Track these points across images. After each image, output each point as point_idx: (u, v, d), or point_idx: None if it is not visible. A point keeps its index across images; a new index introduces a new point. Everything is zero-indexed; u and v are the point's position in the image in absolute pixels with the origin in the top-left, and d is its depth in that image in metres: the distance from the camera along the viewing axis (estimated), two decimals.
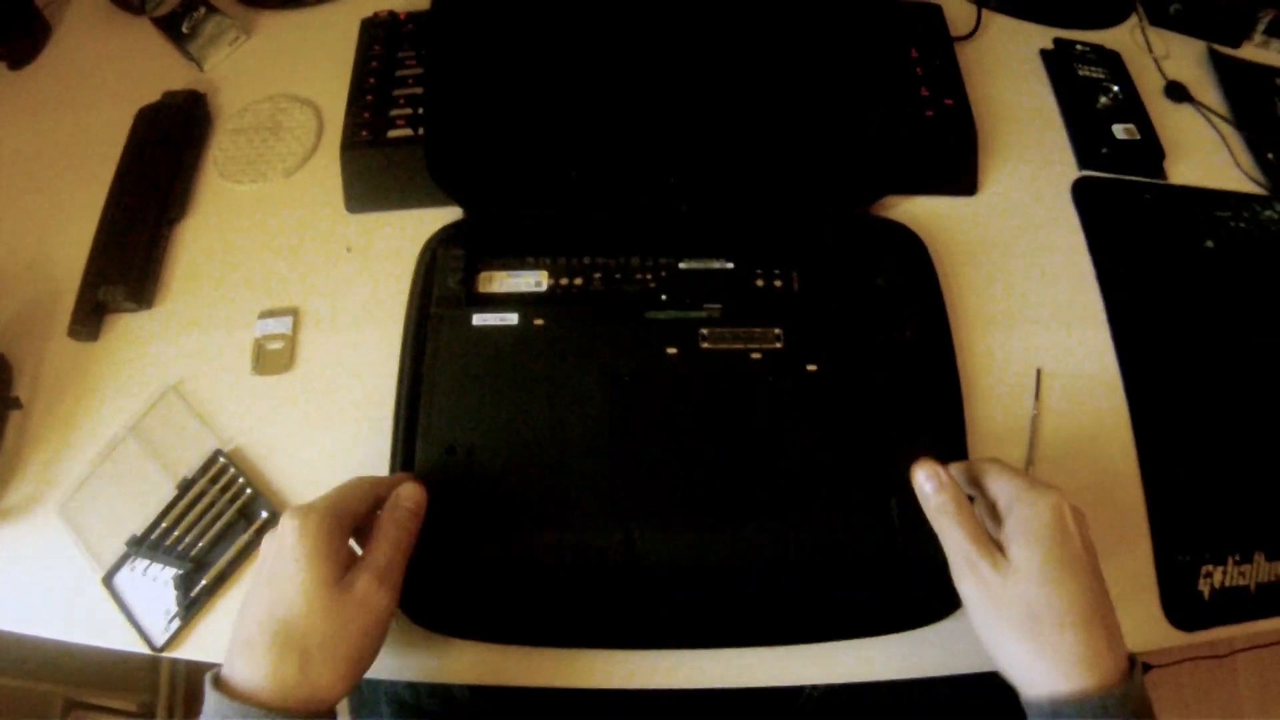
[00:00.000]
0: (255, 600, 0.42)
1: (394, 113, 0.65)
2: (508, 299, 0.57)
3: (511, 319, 0.55)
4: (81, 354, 0.62)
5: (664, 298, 0.57)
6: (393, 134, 0.64)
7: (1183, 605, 0.54)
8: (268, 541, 0.44)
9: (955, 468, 0.48)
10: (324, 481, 0.55)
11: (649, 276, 0.58)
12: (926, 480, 0.47)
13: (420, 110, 0.65)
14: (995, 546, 0.43)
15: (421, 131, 0.64)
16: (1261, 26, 0.79)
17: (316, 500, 0.44)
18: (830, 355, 0.54)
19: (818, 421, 0.53)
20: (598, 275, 0.58)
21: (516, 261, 0.59)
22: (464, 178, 0.61)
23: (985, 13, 0.76)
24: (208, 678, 0.41)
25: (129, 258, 0.62)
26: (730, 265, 0.59)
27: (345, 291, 0.61)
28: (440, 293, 0.57)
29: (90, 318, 0.61)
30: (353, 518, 0.45)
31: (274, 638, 0.40)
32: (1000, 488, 0.45)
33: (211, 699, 0.39)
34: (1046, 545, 0.42)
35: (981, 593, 0.43)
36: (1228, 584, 0.55)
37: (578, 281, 0.58)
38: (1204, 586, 0.54)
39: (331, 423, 0.57)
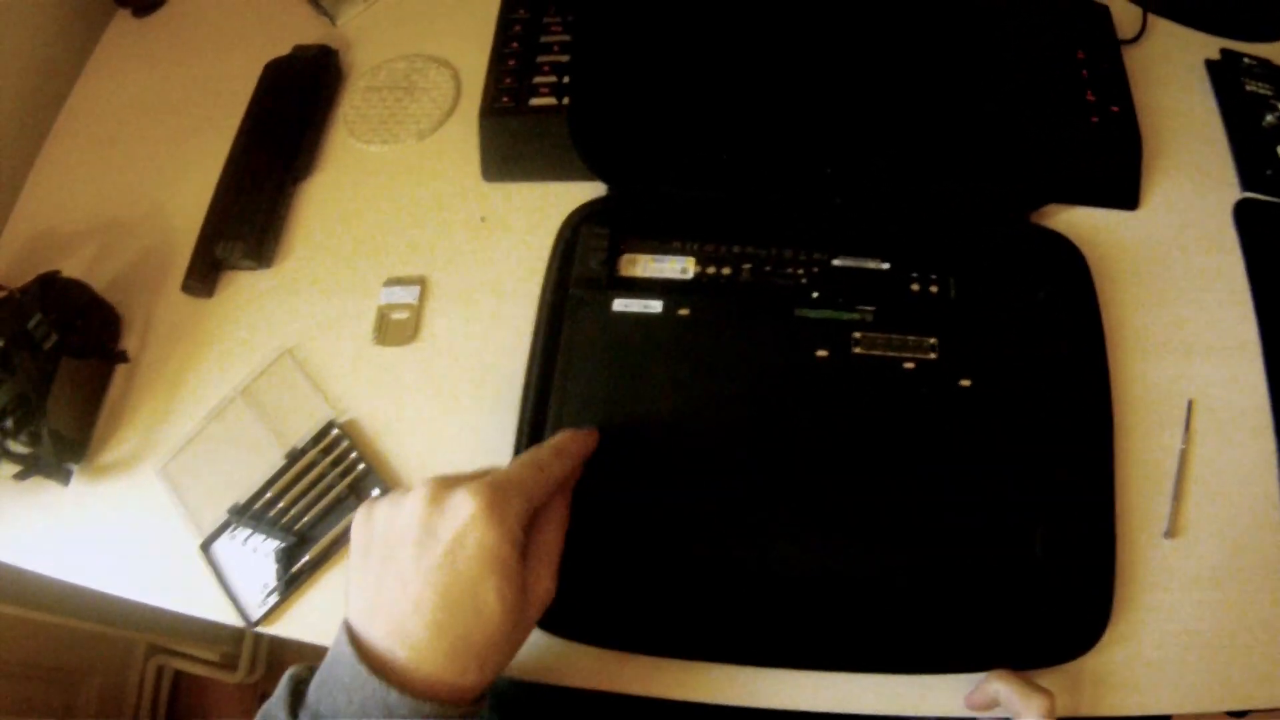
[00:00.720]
0: (425, 585, 0.36)
1: (537, 80, 0.62)
2: (651, 285, 0.54)
3: (655, 307, 0.52)
4: (195, 310, 0.60)
5: (815, 295, 0.54)
6: (535, 102, 0.61)
7: None
8: (430, 510, 0.37)
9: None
10: (441, 463, 0.53)
11: (800, 271, 0.55)
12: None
13: (566, 79, 0.62)
14: None
15: (566, 101, 0.61)
16: None
17: (507, 478, 0.39)
18: (985, 371, 0.51)
19: (968, 440, 0.49)
20: (747, 266, 0.55)
21: (662, 245, 0.56)
22: (610, 152, 0.58)
23: (1150, 18, 0.71)
24: (361, 665, 0.35)
25: (250, 214, 0.61)
26: (886, 266, 0.55)
27: (477, 264, 0.59)
28: (580, 273, 0.54)
29: (206, 273, 0.60)
30: (537, 505, 0.40)
31: (457, 643, 0.36)
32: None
33: (379, 690, 0.34)
34: None
35: None
36: None
37: (726, 271, 0.55)
38: None
39: (454, 401, 0.55)
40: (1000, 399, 0.50)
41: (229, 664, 1.14)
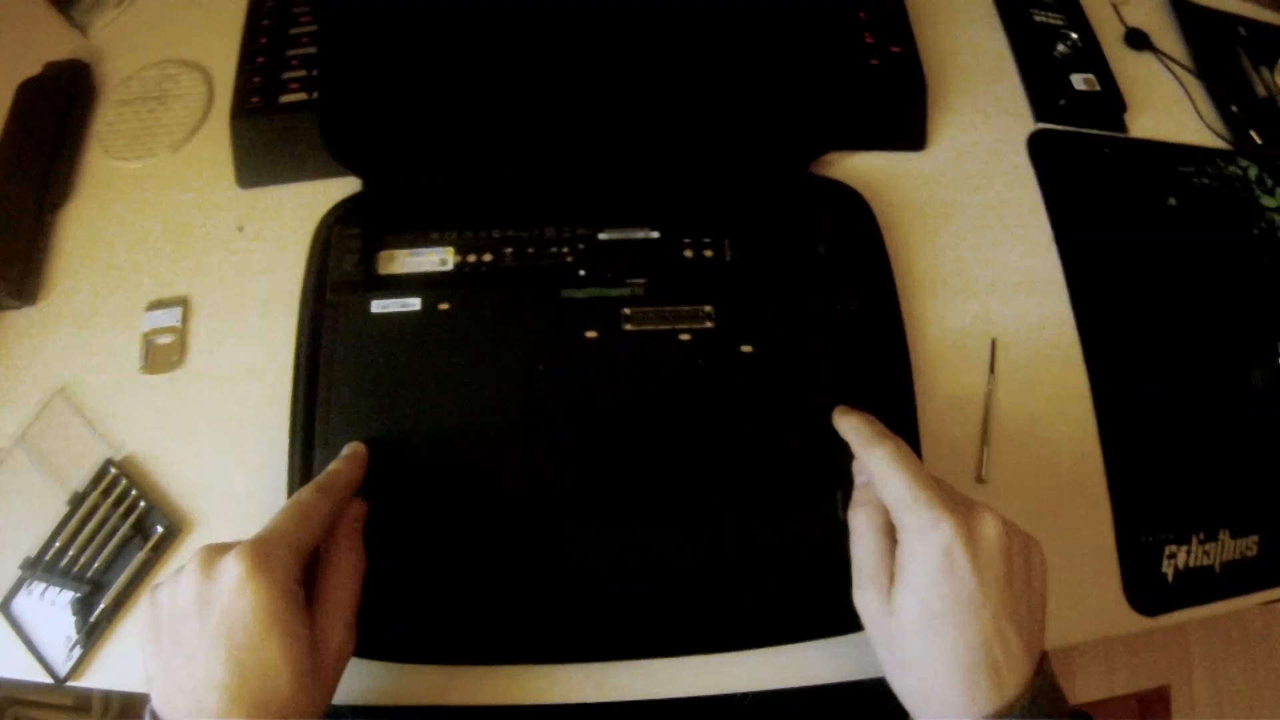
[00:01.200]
0: (211, 657, 0.35)
1: (287, 75, 0.59)
2: (410, 281, 0.52)
3: (414, 304, 0.50)
4: None
5: (582, 273, 0.52)
6: (285, 99, 0.58)
7: (1146, 588, 0.51)
8: (202, 581, 0.36)
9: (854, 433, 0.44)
10: (219, 492, 0.51)
11: (565, 249, 0.53)
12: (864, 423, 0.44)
13: (315, 72, 0.59)
14: (891, 566, 0.40)
15: (315, 95, 0.58)
16: None
17: (270, 531, 0.38)
18: (767, 334, 0.50)
19: (755, 408, 0.48)
20: (509, 250, 0.53)
21: (420, 238, 0.53)
22: (361, 144, 0.56)
23: None
24: None
25: (8, 249, 0.57)
26: (655, 234, 0.54)
27: (238, 277, 0.56)
28: (336, 277, 0.51)
29: None
30: (309, 551, 0.40)
31: (255, 708, 0.35)
32: (890, 496, 0.40)
33: None
34: (923, 596, 0.37)
35: (870, 616, 0.40)
36: (1192, 564, 0.52)
37: (487, 258, 0.53)
38: (1168, 568, 0.52)
39: (227, 424, 0.52)
40: (786, 361, 0.49)
41: (83, 707, 1.11)
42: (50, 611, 0.50)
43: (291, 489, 0.48)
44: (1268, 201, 0.64)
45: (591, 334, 0.49)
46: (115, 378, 0.54)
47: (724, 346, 0.49)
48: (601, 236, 0.53)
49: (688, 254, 0.53)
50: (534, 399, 0.48)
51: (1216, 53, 0.71)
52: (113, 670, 0.49)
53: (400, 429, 0.48)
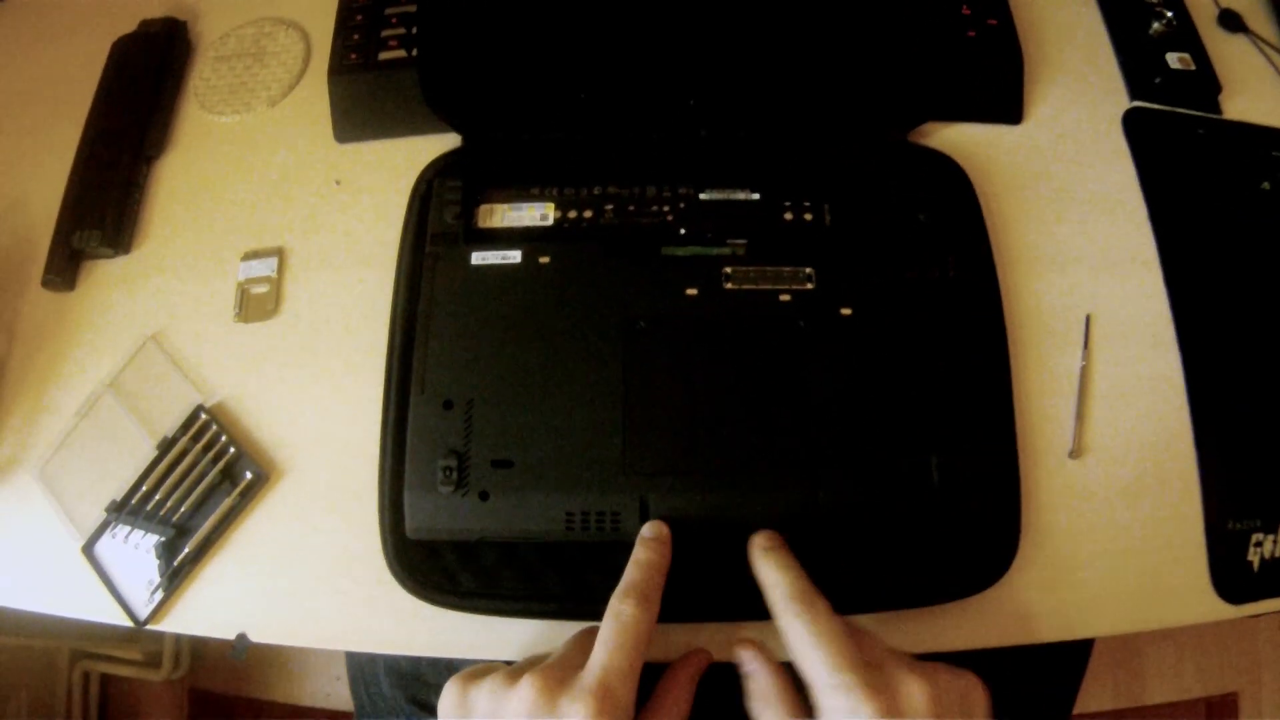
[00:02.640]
0: None
1: (386, 33, 0.60)
2: (510, 234, 0.52)
3: (514, 257, 0.50)
4: (58, 305, 0.58)
5: (683, 232, 0.52)
6: (384, 56, 0.59)
7: (1231, 576, 0.50)
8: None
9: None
10: (310, 439, 0.52)
11: (666, 209, 0.53)
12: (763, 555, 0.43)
13: (414, 30, 0.60)
14: None
15: (415, 52, 0.59)
16: None
17: (607, 677, 0.36)
18: (867, 297, 0.49)
19: (853, 370, 0.48)
20: (609, 207, 0.53)
21: (520, 193, 0.53)
22: (461, 100, 0.56)
23: None
24: None
25: (104, 200, 0.58)
26: (756, 196, 0.53)
27: (335, 229, 0.57)
28: (435, 228, 0.52)
29: (65, 266, 0.57)
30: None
31: None
32: (809, 671, 0.37)
33: None
34: None
35: None
36: (1278, 554, 0.50)
37: (587, 214, 0.53)
38: (1254, 556, 0.50)
39: (320, 373, 0.53)
40: (885, 326, 0.49)
41: (153, 662, 1.14)
42: (133, 555, 0.51)
43: (384, 439, 0.49)
44: None
45: (692, 291, 0.49)
46: (209, 326, 0.55)
47: (824, 308, 0.49)
48: (702, 196, 0.53)
49: (788, 217, 0.53)
50: (633, 354, 0.48)
51: None
52: (194, 616, 0.50)
53: (497, 380, 0.47)
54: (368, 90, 0.59)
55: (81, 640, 1.09)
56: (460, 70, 0.57)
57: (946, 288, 0.50)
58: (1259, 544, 0.50)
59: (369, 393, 0.50)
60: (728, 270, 0.50)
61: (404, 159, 0.58)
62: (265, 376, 0.53)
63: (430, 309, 0.49)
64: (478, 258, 0.50)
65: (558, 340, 0.48)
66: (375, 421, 0.49)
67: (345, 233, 0.56)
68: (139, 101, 0.62)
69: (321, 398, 0.52)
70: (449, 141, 0.57)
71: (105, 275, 0.58)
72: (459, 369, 0.48)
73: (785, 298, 0.49)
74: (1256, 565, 0.50)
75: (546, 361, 0.48)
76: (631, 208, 0.53)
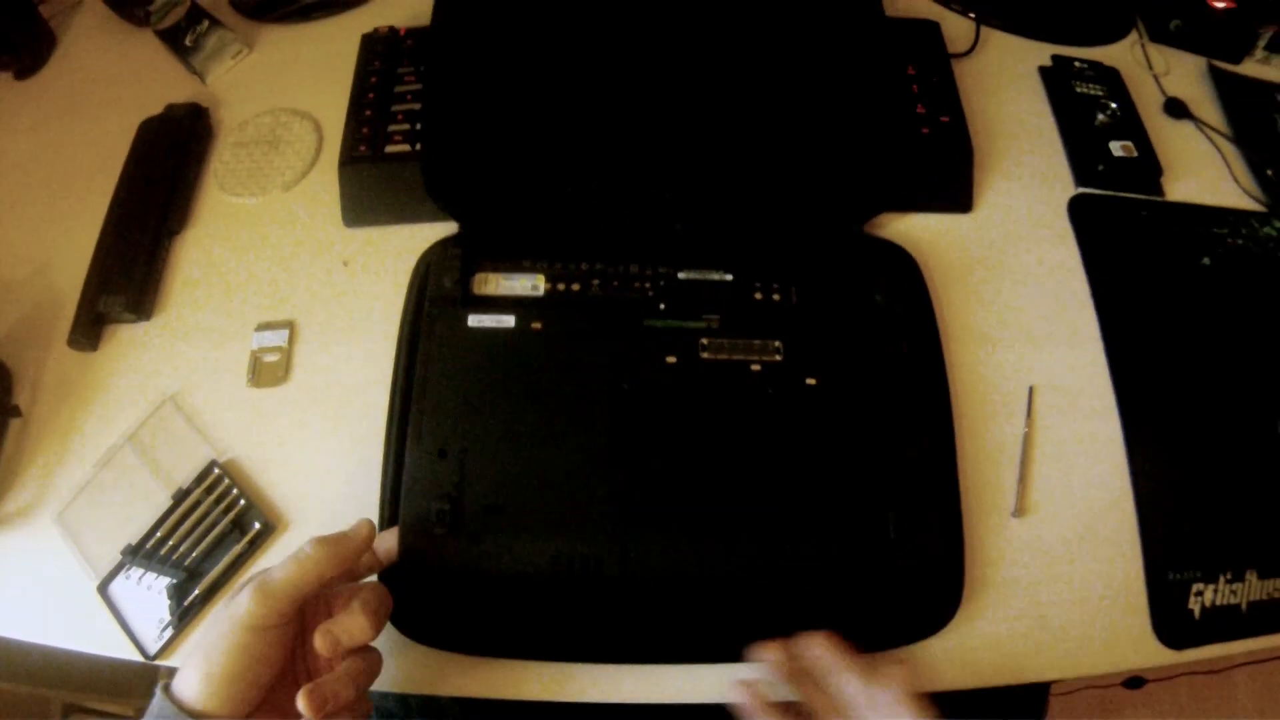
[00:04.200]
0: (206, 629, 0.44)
1: (392, 128, 0.65)
2: (504, 301, 0.57)
3: (508, 321, 0.55)
4: (81, 363, 0.62)
5: (663, 307, 0.57)
6: (390, 149, 0.65)
7: (1173, 623, 0.54)
8: (224, 604, 0.44)
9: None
10: (315, 495, 0.56)
11: (648, 285, 0.58)
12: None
13: (418, 126, 0.65)
14: None
15: (418, 147, 0.64)
16: (1262, 42, 0.79)
17: (266, 577, 0.43)
18: (829, 369, 0.54)
19: (816, 434, 0.53)
20: (596, 281, 0.58)
21: (513, 264, 0.58)
22: (460, 194, 0.62)
23: (984, 30, 0.76)
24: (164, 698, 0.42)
25: (129, 269, 0.63)
26: (729, 277, 0.59)
27: (341, 305, 0.62)
28: (435, 292, 0.56)
29: (90, 328, 0.62)
30: (304, 599, 0.44)
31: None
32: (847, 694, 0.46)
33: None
34: None
35: None
36: (1219, 602, 0.54)
37: (575, 287, 0.58)
38: (1194, 605, 0.54)
39: (326, 434, 0.58)
40: (845, 394, 0.54)
41: None
42: (146, 595, 0.54)
43: (384, 494, 0.53)
44: None
45: (671, 360, 0.54)
46: (223, 389, 0.60)
47: (791, 378, 0.54)
48: (680, 275, 0.58)
49: (758, 296, 0.58)
50: (616, 414, 0.53)
51: (1254, 120, 0.74)
52: None
53: (488, 432, 0.52)
54: (374, 180, 0.64)
55: (76, 693, 1.10)
56: (459, 165, 0.62)
57: (900, 362, 0.56)
58: (1199, 593, 0.54)
59: (370, 453, 0.55)
60: (704, 341, 0.55)
61: (406, 244, 0.63)
62: (274, 436, 0.58)
63: (428, 365, 0.54)
64: (474, 320, 0.55)
65: (547, 398, 0.53)
66: (376, 478, 0.54)
67: (351, 309, 0.62)
68: (163, 179, 0.67)
69: (326, 456, 0.57)
70: (447, 229, 0.63)
71: (128, 339, 0.63)
72: (453, 420, 0.52)
73: (756, 368, 0.54)
74: (1198, 613, 0.54)
75: (536, 417, 0.52)
76: (616, 283, 0.58)
